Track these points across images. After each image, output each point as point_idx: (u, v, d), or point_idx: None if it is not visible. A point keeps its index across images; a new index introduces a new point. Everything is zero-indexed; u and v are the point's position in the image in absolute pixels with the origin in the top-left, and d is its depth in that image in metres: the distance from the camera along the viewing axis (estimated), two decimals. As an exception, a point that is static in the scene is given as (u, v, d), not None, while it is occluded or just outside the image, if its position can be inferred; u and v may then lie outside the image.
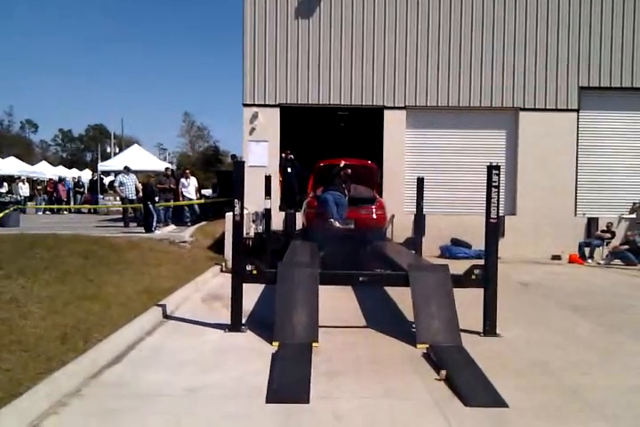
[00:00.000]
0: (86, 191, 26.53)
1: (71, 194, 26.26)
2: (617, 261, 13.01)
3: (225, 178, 17.15)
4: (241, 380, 4.61)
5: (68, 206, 24.43)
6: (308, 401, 4.13)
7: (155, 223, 13.26)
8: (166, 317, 6.73)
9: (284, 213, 12.84)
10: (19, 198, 20.27)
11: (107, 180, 29.30)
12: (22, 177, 27.03)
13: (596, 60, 14.15)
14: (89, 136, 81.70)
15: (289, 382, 4.47)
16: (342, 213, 9.94)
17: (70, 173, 33.84)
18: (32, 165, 35.25)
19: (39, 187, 26.12)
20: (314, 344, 5.49)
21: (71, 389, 4.23)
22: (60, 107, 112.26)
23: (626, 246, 13.08)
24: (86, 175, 31.12)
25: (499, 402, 4.15)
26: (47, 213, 23.27)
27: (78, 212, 24.28)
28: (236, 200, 6.22)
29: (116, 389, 4.36)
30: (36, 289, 6.65)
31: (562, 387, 4.58)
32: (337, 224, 9.71)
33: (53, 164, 42.94)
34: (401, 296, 7.51)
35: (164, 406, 4.03)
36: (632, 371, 5.08)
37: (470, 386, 4.44)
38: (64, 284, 7.09)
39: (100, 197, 24.61)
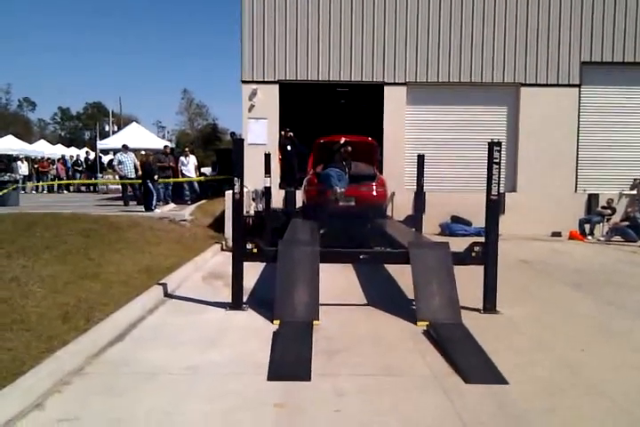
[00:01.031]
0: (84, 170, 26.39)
1: (70, 173, 26.17)
2: (617, 238, 13.01)
3: (224, 156, 17.06)
4: (242, 358, 4.64)
5: (65, 182, 24.32)
6: (309, 379, 4.16)
7: (154, 202, 13.23)
8: (167, 295, 6.76)
9: (283, 191, 12.80)
10: (17, 177, 20.13)
11: (105, 158, 29.11)
12: (21, 156, 26.89)
13: (598, 35, 13.94)
14: (87, 114, 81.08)
15: (290, 360, 4.50)
16: (344, 181, 9.87)
17: (69, 152, 33.65)
18: (30, 143, 35.05)
19: (36, 166, 25.92)
20: (315, 322, 5.51)
21: (74, 367, 4.25)
22: (58, 85, 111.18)
23: (626, 223, 13.07)
24: (82, 154, 30.84)
25: (499, 379, 4.18)
26: (44, 191, 23.21)
27: (77, 191, 24.24)
28: (235, 178, 6.19)
29: (118, 367, 4.39)
30: (36, 268, 6.67)
31: (561, 364, 4.61)
32: (341, 190, 9.63)
33: (52, 142, 42.65)
34: (401, 274, 7.53)
35: (167, 384, 4.06)
36: (629, 347, 5.11)
37: (471, 363, 4.47)
38: (65, 263, 7.11)
39: (99, 175, 24.50)
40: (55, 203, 16.48)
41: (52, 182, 23.86)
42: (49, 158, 28.33)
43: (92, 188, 24.20)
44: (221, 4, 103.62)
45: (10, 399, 3.50)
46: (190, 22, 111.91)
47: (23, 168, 24.39)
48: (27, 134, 55.30)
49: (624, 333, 5.59)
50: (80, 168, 26.03)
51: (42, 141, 37.72)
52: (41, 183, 23.77)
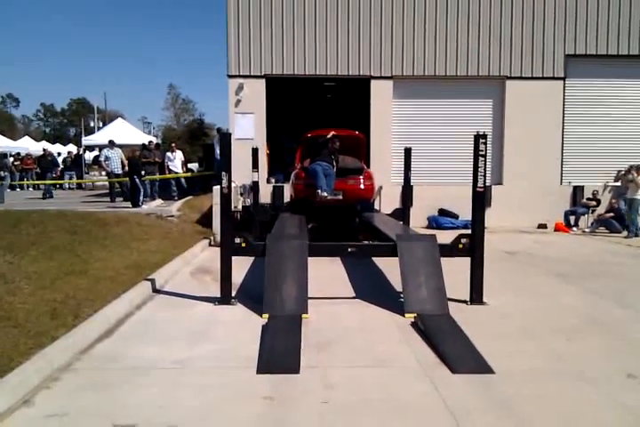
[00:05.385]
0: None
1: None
2: (602, 229, 13.17)
3: (212, 151, 17.00)
4: (231, 352, 4.66)
5: (51, 182, 24.02)
6: (298, 371, 4.19)
7: (141, 198, 13.16)
8: (156, 291, 6.75)
9: (271, 186, 12.79)
10: (1, 175, 19.87)
11: (90, 154, 28.81)
12: (14, 153, 26.63)
13: (582, 28, 14.03)
14: (72, 110, 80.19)
15: (279, 353, 4.53)
16: (331, 185, 9.88)
17: (54, 149, 33.29)
18: (14, 140, 34.66)
19: (17, 163, 25.51)
20: (303, 316, 5.54)
21: (62, 363, 4.26)
22: (41, 80, 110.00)
23: (611, 214, 13.23)
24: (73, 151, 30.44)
25: (485, 368, 4.24)
26: (30, 189, 22.96)
27: (63, 187, 23.99)
28: (223, 173, 6.18)
29: (107, 362, 4.40)
30: (23, 265, 6.63)
31: (547, 353, 4.68)
32: (325, 194, 9.64)
33: (36, 139, 42.25)
34: (389, 267, 7.58)
35: (156, 379, 4.08)
36: (614, 336, 5.19)
37: (457, 353, 4.52)
38: (52, 259, 7.07)
39: (71, 173, 24.15)
40: (41, 200, 16.34)
41: (38, 182, 23.49)
42: (31, 155, 27.96)
43: (77, 184, 23.93)
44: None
45: (-2, 396, 3.49)
46: (176, 17, 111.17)
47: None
48: (10, 131, 54.66)
49: (608, 322, 5.68)
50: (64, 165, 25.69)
51: (26, 138, 37.34)
52: (31, 182, 23.48)
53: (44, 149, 24.32)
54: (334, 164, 10.14)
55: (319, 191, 9.60)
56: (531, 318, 5.77)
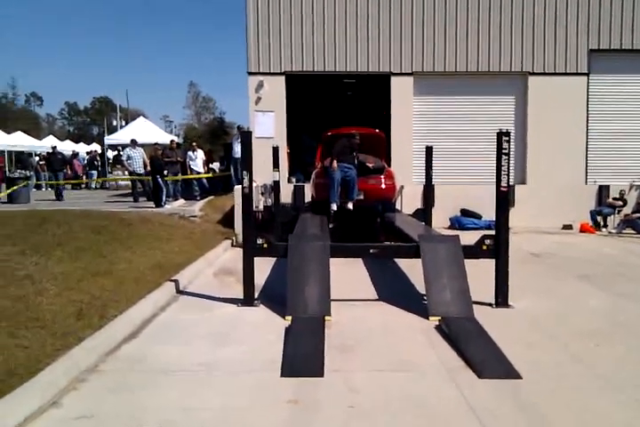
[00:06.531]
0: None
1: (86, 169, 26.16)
2: (629, 230, 12.88)
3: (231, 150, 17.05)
4: (255, 354, 4.67)
5: (75, 181, 24.35)
6: (322, 375, 4.17)
7: (164, 198, 13.25)
8: (179, 292, 6.80)
9: (292, 186, 12.79)
10: (27, 174, 20.13)
11: (112, 153, 29.11)
12: (41, 153, 27.06)
13: (606, 22, 13.74)
14: (95, 109, 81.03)
15: (303, 356, 4.52)
16: (354, 188, 9.73)
17: (78, 148, 33.73)
18: (39, 139, 35.16)
19: (42, 162, 25.79)
20: (326, 318, 5.52)
21: (89, 365, 4.30)
22: (64, 79, 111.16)
23: (638, 215, 12.91)
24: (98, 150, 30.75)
25: (512, 374, 4.18)
26: (50, 189, 23.24)
27: (90, 187, 24.29)
28: (244, 172, 6.18)
29: (133, 364, 4.43)
30: (49, 266, 6.72)
31: (574, 358, 4.60)
32: (334, 208, 9.56)
33: (60, 138, 42.79)
34: (411, 268, 7.53)
35: (181, 381, 4.10)
36: (644, 340, 5.10)
37: (483, 358, 4.47)
38: (77, 260, 7.16)
39: (93, 172, 24.38)
40: (66, 200, 16.54)
41: (68, 182, 23.77)
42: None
43: (101, 184, 24.20)
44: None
45: (27, 397, 3.54)
46: (196, 14, 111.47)
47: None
48: (35, 130, 55.39)
49: (637, 326, 5.56)
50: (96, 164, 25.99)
51: (50, 137, 37.84)
52: (62, 181, 23.78)
53: (53, 147, 24.38)
54: (355, 163, 10.05)
55: (333, 205, 9.52)
56: (558, 321, 5.68)
